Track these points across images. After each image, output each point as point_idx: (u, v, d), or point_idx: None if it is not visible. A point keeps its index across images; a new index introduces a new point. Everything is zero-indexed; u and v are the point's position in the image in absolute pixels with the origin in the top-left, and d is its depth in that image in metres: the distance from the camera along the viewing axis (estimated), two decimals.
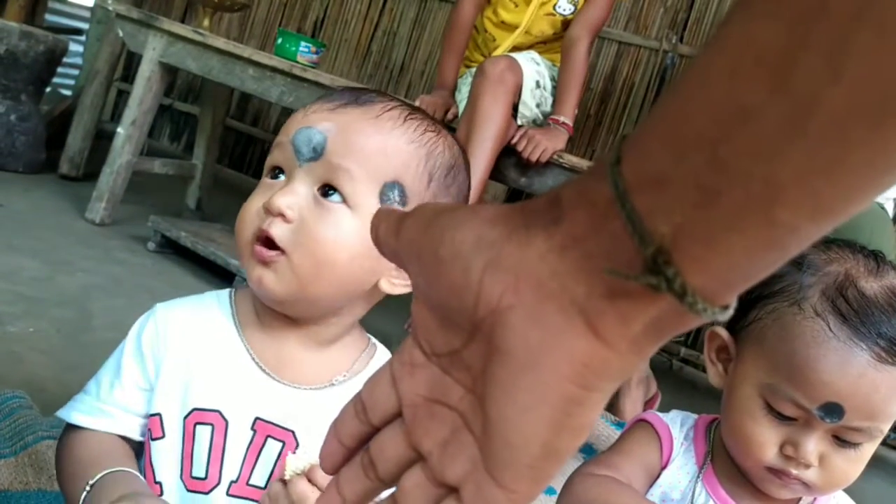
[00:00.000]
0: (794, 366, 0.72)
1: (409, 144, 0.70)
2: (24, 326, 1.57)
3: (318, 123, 0.69)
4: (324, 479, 0.61)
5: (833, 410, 0.70)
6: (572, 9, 2.34)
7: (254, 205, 0.70)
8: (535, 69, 2.23)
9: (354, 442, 0.38)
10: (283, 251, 0.67)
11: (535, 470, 0.30)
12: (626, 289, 0.27)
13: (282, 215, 0.67)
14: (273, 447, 0.71)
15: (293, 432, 0.71)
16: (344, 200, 0.67)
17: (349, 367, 0.75)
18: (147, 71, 2.53)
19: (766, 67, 0.23)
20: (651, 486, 0.84)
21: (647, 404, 2.13)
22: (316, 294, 0.68)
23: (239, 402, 0.71)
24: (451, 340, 0.33)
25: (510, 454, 0.30)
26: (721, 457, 0.83)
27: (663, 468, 0.84)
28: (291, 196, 0.67)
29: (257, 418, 0.71)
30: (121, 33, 2.62)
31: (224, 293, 0.77)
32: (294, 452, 0.65)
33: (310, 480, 0.62)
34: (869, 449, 0.74)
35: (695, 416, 0.89)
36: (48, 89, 3.12)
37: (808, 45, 0.22)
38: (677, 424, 0.87)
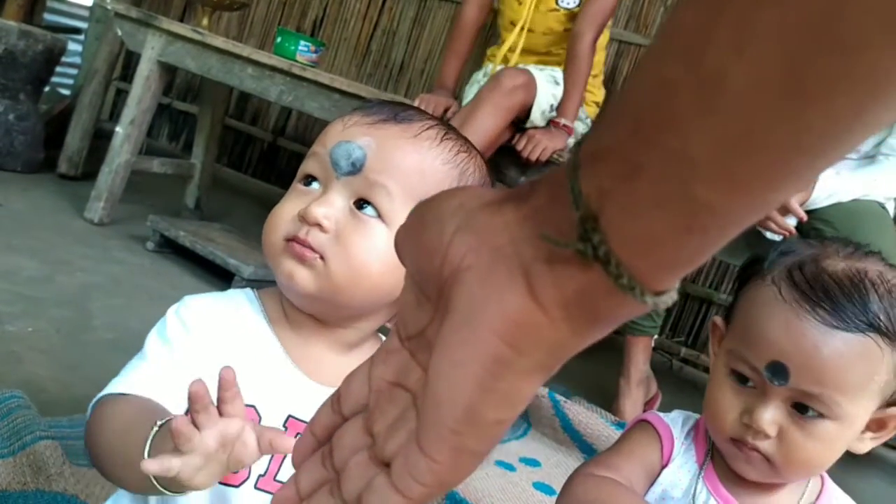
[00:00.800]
0: (747, 327, 0.77)
1: (445, 165, 0.71)
2: (23, 326, 1.57)
3: (358, 138, 0.69)
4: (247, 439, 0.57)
5: (778, 370, 0.72)
6: (577, 1, 2.31)
7: (287, 210, 0.70)
8: (552, 91, 2.20)
9: (325, 433, 0.38)
10: (320, 256, 0.68)
11: (457, 436, 0.30)
12: (563, 255, 0.28)
13: (318, 225, 0.67)
14: None
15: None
16: (379, 215, 0.68)
17: None
18: (146, 70, 2.52)
19: (683, 45, 0.25)
20: (651, 485, 0.84)
21: (648, 405, 2.13)
22: (346, 301, 0.69)
23: (273, 398, 0.71)
24: (421, 318, 0.34)
25: (435, 414, 0.31)
26: (722, 455, 0.83)
27: (664, 467, 0.84)
28: (328, 207, 0.68)
29: (290, 416, 0.71)
30: (119, 32, 2.61)
31: (249, 291, 0.77)
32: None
33: (260, 438, 0.57)
34: (834, 431, 0.73)
35: (696, 415, 0.89)
36: (47, 88, 3.12)
37: (719, 23, 0.23)
38: (678, 424, 0.87)
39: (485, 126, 2.03)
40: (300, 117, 3.96)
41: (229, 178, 3.99)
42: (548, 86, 2.18)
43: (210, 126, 2.97)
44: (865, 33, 0.21)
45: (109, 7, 2.65)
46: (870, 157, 1.89)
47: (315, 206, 0.67)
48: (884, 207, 1.85)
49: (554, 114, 2.21)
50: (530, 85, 2.10)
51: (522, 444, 1.75)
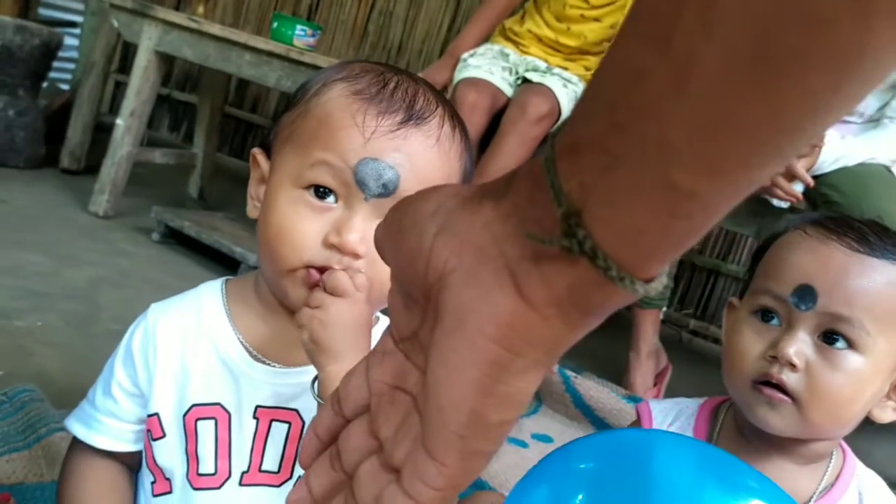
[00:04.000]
0: (773, 263, 0.77)
1: (459, 160, 0.70)
2: (32, 321, 1.58)
3: (387, 154, 0.64)
4: (352, 272, 0.63)
5: (805, 293, 0.71)
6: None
7: (306, 229, 0.65)
8: (565, 91, 2.15)
9: (329, 435, 0.38)
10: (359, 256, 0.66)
11: (463, 440, 0.30)
12: (549, 253, 0.28)
13: (355, 254, 0.65)
14: (280, 429, 0.71)
15: (297, 411, 0.71)
16: None
17: None
18: (143, 61, 2.51)
19: (652, 30, 0.24)
20: None
21: (658, 377, 2.13)
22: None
23: (237, 393, 0.71)
24: (412, 320, 0.34)
25: (439, 419, 0.30)
26: (727, 437, 0.81)
27: None
28: (355, 231, 0.64)
29: (257, 406, 0.71)
30: (115, 23, 2.60)
31: (216, 284, 0.77)
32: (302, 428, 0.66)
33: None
34: (862, 366, 0.71)
35: (700, 400, 0.87)
36: (45, 83, 3.10)
37: (685, 5, 0.23)
38: (669, 414, 0.86)
39: (513, 160, 2.02)
40: None
41: (231, 166, 3.99)
42: (570, 104, 2.14)
43: (210, 115, 2.96)
44: (835, 6, 0.21)
45: None
46: (874, 121, 1.87)
47: (350, 238, 0.64)
48: (889, 170, 1.83)
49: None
50: (554, 110, 2.09)
51: (535, 420, 1.76)
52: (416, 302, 0.33)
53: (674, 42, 0.23)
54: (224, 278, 0.78)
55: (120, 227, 2.44)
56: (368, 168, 0.64)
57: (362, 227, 0.64)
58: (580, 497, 0.56)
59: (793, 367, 0.71)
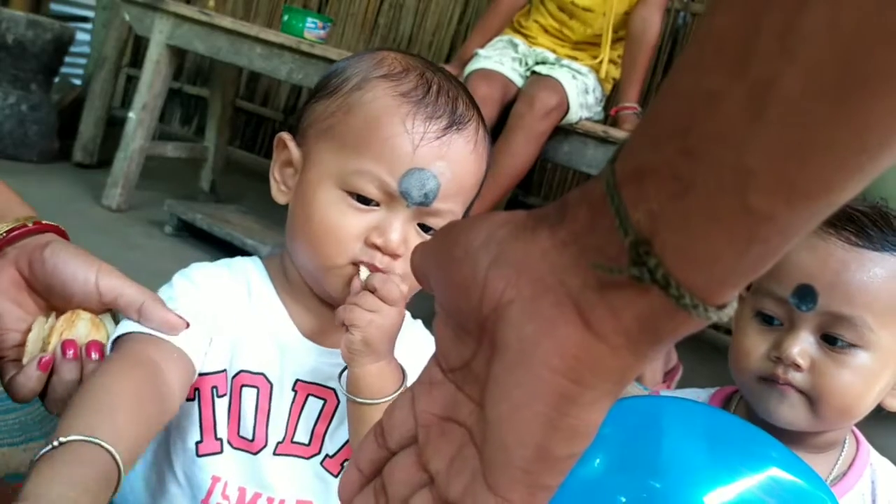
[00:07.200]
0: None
1: (486, 162, 0.73)
2: None
3: (431, 164, 0.66)
4: (397, 276, 0.65)
5: (805, 294, 0.70)
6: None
7: (351, 227, 0.67)
8: (580, 100, 2.15)
9: (372, 468, 0.37)
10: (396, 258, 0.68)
11: (529, 475, 0.30)
12: (616, 282, 0.27)
13: (392, 260, 0.67)
14: (314, 404, 0.72)
15: (334, 390, 0.72)
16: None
17: None
18: (155, 54, 2.52)
19: (726, 54, 0.23)
20: None
21: (668, 375, 2.12)
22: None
23: (280, 364, 0.71)
24: (464, 351, 0.33)
25: (504, 456, 0.30)
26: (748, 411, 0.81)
27: None
28: (396, 233, 0.67)
29: (298, 380, 0.72)
30: (127, 17, 2.61)
31: (257, 261, 0.77)
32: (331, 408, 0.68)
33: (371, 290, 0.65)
34: (868, 362, 0.70)
35: (712, 389, 0.87)
36: (57, 78, 3.12)
37: (761, 30, 0.22)
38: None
39: (520, 157, 2.04)
40: None
41: (242, 159, 4.00)
42: (579, 97, 2.14)
43: (221, 108, 2.97)
44: None
45: None
46: None
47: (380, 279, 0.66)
48: None
49: (584, 114, 2.17)
50: (562, 103, 2.08)
51: None
52: (469, 333, 0.32)
53: (751, 66, 0.23)
54: (256, 257, 0.78)
55: (133, 221, 2.46)
56: (413, 179, 0.66)
57: (402, 230, 0.67)
58: (597, 461, 0.56)
59: (797, 367, 0.71)
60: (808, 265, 0.70)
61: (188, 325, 0.65)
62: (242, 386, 0.71)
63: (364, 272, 0.67)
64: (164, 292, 0.71)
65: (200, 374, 0.69)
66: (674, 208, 0.25)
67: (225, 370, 0.71)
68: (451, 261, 0.32)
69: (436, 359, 0.35)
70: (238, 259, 0.77)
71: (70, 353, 0.63)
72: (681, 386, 2.00)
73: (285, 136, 0.72)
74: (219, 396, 0.71)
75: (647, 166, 0.26)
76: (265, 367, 0.71)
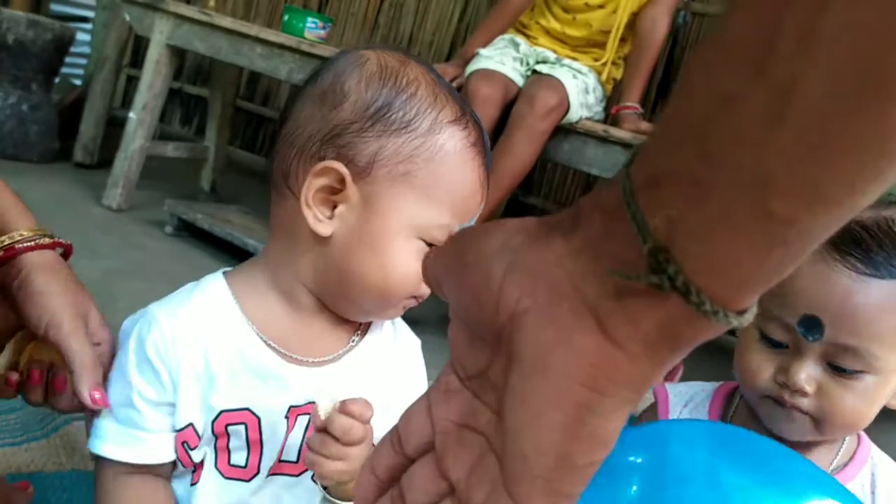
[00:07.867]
0: (779, 283, 0.73)
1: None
2: None
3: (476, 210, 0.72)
4: (357, 407, 0.64)
5: (812, 324, 0.69)
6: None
7: (415, 266, 0.68)
8: (581, 100, 2.15)
9: (388, 475, 0.37)
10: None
11: (549, 484, 0.29)
12: (633, 289, 0.27)
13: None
14: (301, 422, 0.71)
15: (315, 403, 0.71)
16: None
17: (359, 327, 0.76)
18: (155, 54, 2.52)
19: (745, 55, 0.23)
20: None
21: (669, 376, 2.13)
22: (355, 300, 0.71)
23: (264, 396, 0.69)
24: (479, 359, 0.33)
25: (524, 465, 0.30)
26: (741, 420, 0.81)
27: None
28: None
29: (291, 407, 0.70)
30: (127, 17, 2.61)
31: (217, 280, 0.73)
32: (315, 403, 0.66)
33: (345, 413, 0.64)
34: (874, 385, 0.71)
35: (716, 384, 0.87)
36: (58, 78, 3.12)
37: (781, 32, 0.22)
38: (684, 396, 0.85)
39: (522, 157, 2.04)
40: None
41: (243, 159, 4.00)
42: (579, 96, 2.13)
43: (221, 108, 2.97)
44: None
45: None
46: None
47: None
48: None
49: (584, 114, 2.17)
50: (563, 102, 2.08)
51: None
52: (484, 340, 0.32)
53: (771, 69, 0.22)
54: (221, 272, 0.74)
55: (133, 220, 2.46)
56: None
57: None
58: (634, 488, 0.56)
59: (804, 393, 0.71)
60: (813, 294, 0.70)
61: (108, 405, 0.67)
62: (227, 425, 0.69)
63: (322, 408, 0.64)
64: (120, 357, 0.71)
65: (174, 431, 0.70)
66: (693, 214, 0.25)
67: (191, 424, 0.69)
68: (465, 267, 0.32)
69: (451, 365, 0.35)
70: (200, 284, 0.73)
71: (36, 377, 0.70)
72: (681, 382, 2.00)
73: (338, 165, 0.67)
74: (192, 449, 0.70)
75: (664, 171, 0.26)
76: (248, 402, 0.69)
